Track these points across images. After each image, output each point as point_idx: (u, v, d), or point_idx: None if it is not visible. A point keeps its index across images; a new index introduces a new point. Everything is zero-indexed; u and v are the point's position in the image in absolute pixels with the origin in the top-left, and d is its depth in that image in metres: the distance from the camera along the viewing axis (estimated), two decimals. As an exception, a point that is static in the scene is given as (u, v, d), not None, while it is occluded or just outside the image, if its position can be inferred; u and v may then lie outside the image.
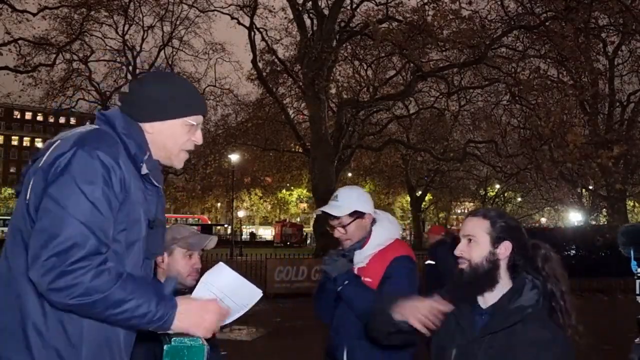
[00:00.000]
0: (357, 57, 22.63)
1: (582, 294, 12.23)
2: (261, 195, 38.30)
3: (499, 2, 19.97)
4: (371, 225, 2.44)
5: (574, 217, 33.37)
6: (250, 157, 28.89)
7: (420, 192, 39.31)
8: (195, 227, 2.46)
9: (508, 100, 22.43)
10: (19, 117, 78.30)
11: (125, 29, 24.11)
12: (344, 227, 2.39)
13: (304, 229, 53.01)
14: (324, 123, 19.32)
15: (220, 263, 1.63)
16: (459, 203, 52.95)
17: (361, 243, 2.41)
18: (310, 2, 19.71)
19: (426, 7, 17.97)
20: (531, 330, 1.62)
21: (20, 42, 20.67)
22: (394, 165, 32.22)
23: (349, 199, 2.40)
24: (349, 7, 20.31)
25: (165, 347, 1.50)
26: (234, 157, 27.48)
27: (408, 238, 44.72)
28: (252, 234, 57.26)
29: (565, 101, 17.74)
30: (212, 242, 2.24)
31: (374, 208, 2.50)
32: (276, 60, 22.00)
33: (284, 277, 12.81)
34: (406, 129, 27.64)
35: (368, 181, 37.25)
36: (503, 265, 1.71)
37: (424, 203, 42.31)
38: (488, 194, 41.57)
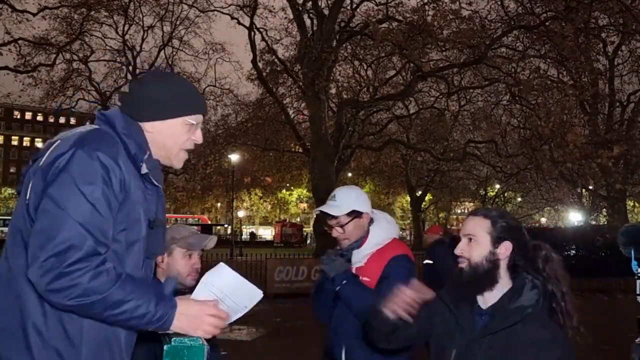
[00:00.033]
0: (357, 57, 22.63)
1: (582, 294, 12.23)
2: (261, 195, 38.30)
3: (499, 2, 20.00)
4: (369, 225, 2.45)
5: (574, 217, 33.37)
6: (250, 157, 28.89)
7: (420, 192, 39.31)
8: (195, 227, 2.46)
9: (508, 100, 22.44)
10: (19, 117, 78.29)
11: (125, 29, 24.16)
12: (342, 226, 2.40)
13: (304, 229, 52.98)
14: (324, 123, 19.32)
15: (221, 263, 1.62)
16: (459, 203, 52.94)
17: (359, 242, 2.42)
18: (310, 2, 19.71)
19: (426, 7, 17.99)
20: (531, 330, 1.62)
21: (20, 42, 20.69)
22: (394, 165, 32.22)
23: (347, 199, 2.41)
24: (349, 7, 20.33)
25: (165, 347, 1.50)
26: (234, 157, 27.48)
27: (408, 238, 44.73)
28: (252, 234, 57.25)
29: (565, 101, 17.74)
30: (211, 242, 2.24)
31: (374, 208, 2.51)
32: (276, 60, 22.00)
33: (284, 277, 12.81)
34: (406, 129, 27.64)
35: (368, 181, 37.26)
36: (503, 265, 1.71)
37: (424, 203, 42.30)
38: (488, 194, 41.56)
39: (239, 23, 21.56)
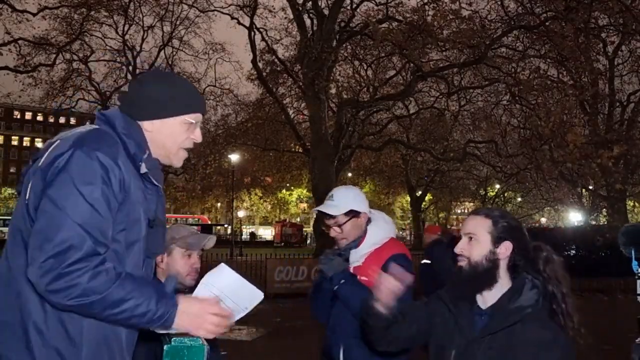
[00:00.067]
0: (357, 57, 22.63)
1: (582, 294, 12.22)
2: (261, 195, 38.30)
3: (499, 2, 20.00)
4: (366, 224, 2.46)
5: (574, 217, 33.37)
6: (250, 157, 28.89)
7: (420, 192, 39.31)
8: (195, 227, 2.46)
9: (508, 100, 22.44)
10: (19, 117, 78.29)
11: (125, 29, 24.16)
12: (339, 226, 2.41)
13: (304, 229, 52.99)
14: (324, 123, 19.32)
15: (222, 264, 1.62)
16: (459, 203, 52.94)
17: (357, 242, 2.43)
18: (310, 2, 19.71)
19: (426, 7, 17.99)
20: (531, 330, 1.61)
21: (20, 42, 20.68)
22: (394, 165, 32.21)
23: (345, 199, 2.42)
24: (349, 7, 20.33)
25: (165, 347, 1.50)
26: (234, 157, 27.49)
27: (408, 238, 44.73)
28: (252, 234, 57.26)
29: (565, 101, 17.74)
30: (210, 241, 2.24)
31: (373, 208, 2.52)
32: (276, 60, 22.00)
33: (284, 277, 12.81)
34: (406, 129, 27.64)
35: (368, 181, 37.26)
36: (503, 265, 1.71)
37: (424, 203, 42.30)
38: (488, 194, 41.56)
39: (239, 23, 21.57)
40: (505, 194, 42.54)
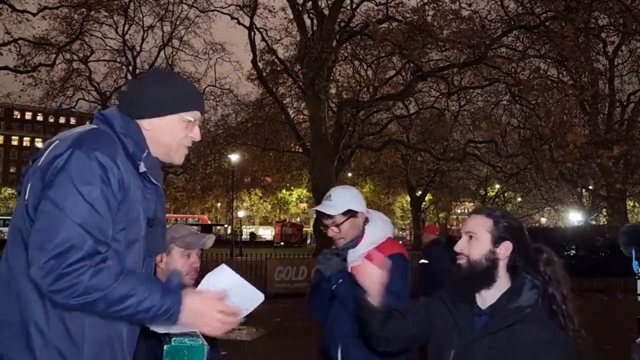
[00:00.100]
0: (357, 57, 22.61)
1: (582, 294, 12.22)
2: (261, 195, 38.28)
3: (499, 2, 19.97)
4: (364, 224, 2.47)
5: (574, 217, 33.36)
6: (250, 157, 28.88)
7: (420, 192, 39.29)
8: (195, 227, 2.46)
9: (508, 100, 22.42)
10: (19, 117, 78.31)
11: (125, 29, 24.14)
12: (337, 226, 2.42)
13: (304, 229, 53.01)
14: (324, 123, 19.31)
15: (223, 265, 1.62)
16: (459, 203, 52.91)
17: (355, 242, 2.44)
18: (310, 2, 19.70)
19: (426, 7, 17.96)
20: (531, 330, 1.61)
21: (20, 42, 20.66)
22: (394, 165, 32.20)
23: (343, 199, 2.43)
24: (349, 7, 20.31)
25: (165, 347, 1.50)
26: (234, 157, 27.48)
27: (408, 238, 44.71)
28: (252, 234, 57.28)
29: (565, 101, 17.72)
30: (209, 240, 2.24)
31: (373, 208, 2.54)
32: (276, 60, 21.98)
33: (284, 277, 12.82)
34: (406, 129, 27.63)
35: (368, 181, 37.21)
36: (502, 265, 1.71)
37: (424, 203, 42.28)
38: (488, 194, 41.54)
39: (239, 23, 21.55)
40: (505, 194, 42.53)
